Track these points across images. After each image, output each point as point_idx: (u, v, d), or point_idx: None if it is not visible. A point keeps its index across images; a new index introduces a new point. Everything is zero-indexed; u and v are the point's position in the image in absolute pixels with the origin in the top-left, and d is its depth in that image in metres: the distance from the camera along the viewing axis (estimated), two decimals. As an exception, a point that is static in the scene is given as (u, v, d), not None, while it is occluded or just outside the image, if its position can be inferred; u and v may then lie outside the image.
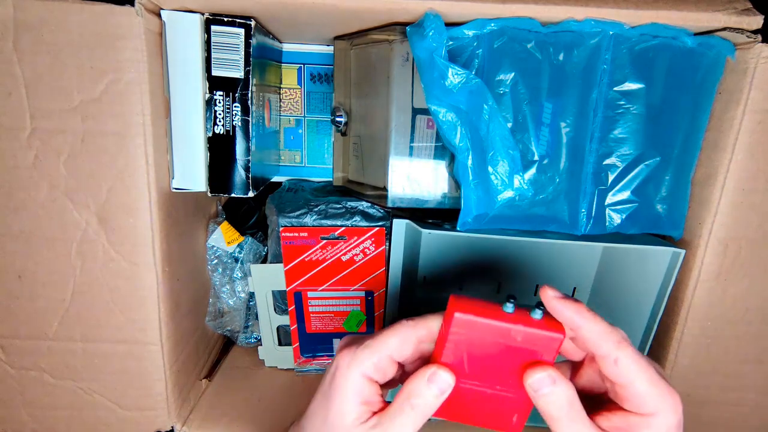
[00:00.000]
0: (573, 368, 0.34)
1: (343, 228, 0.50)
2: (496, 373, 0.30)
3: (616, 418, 0.29)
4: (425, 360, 0.32)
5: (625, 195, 0.42)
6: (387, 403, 0.31)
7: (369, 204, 0.50)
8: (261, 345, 0.57)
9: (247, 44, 0.41)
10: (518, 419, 0.32)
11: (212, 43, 0.41)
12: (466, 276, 0.53)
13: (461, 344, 0.30)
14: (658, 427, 0.28)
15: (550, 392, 0.28)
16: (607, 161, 0.42)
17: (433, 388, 0.29)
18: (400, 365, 0.33)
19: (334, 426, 0.30)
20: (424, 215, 0.47)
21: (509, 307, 0.29)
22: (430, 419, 0.50)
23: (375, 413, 0.30)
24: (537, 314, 0.29)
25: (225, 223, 0.55)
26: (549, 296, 0.29)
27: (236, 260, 0.55)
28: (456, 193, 0.44)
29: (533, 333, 0.29)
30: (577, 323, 0.28)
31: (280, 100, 0.56)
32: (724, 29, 0.38)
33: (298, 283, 0.52)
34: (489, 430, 0.32)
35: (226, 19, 0.40)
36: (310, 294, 0.52)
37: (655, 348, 0.47)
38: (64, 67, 0.38)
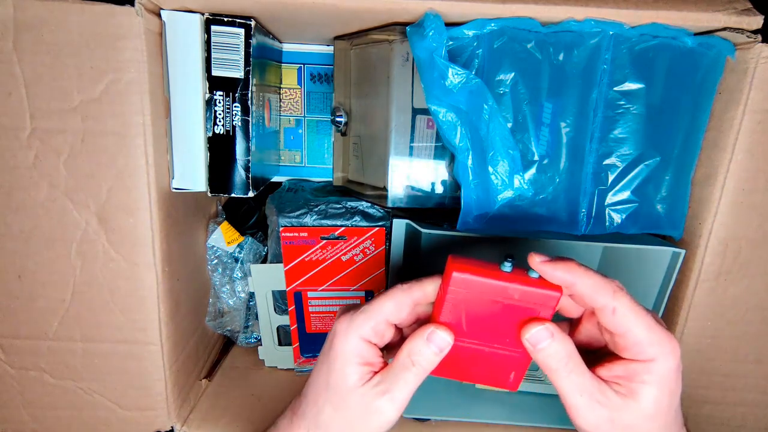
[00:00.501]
0: (572, 325, 0.34)
1: (343, 228, 0.50)
2: (494, 332, 0.31)
3: (616, 368, 0.29)
4: (423, 323, 0.33)
5: (625, 195, 0.42)
6: (387, 363, 0.32)
7: (369, 204, 0.50)
8: (261, 345, 0.57)
9: (247, 44, 0.41)
10: (515, 376, 0.32)
11: (212, 43, 0.41)
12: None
13: (459, 303, 0.30)
14: (658, 372, 0.28)
15: (548, 345, 0.29)
16: (607, 161, 0.42)
17: (432, 346, 0.30)
18: (399, 330, 0.34)
19: (337, 387, 0.31)
20: (424, 215, 0.47)
21: (507, 267, 0.30)
22: (430, 420, 0.50)
23: (376, 372, 0.31)
24: (534, 273, 0.29)
25: (225, 223, 0.55)
26: (536, 262, 0.29)
27: (236, 260, 0.55)
28: (456, 193, 0.44)
29: (531, 291, 0.29)
30: (569, 281, 0.29)
31: (280, 100, 0.56)
32: (724, 29, 0.38)
33: (298, 283, 0.52)
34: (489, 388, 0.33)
35: (226, 19, 0.40)
36: (310, 294, 0.52)
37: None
38: (64, 67, 0.38)
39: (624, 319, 0.28)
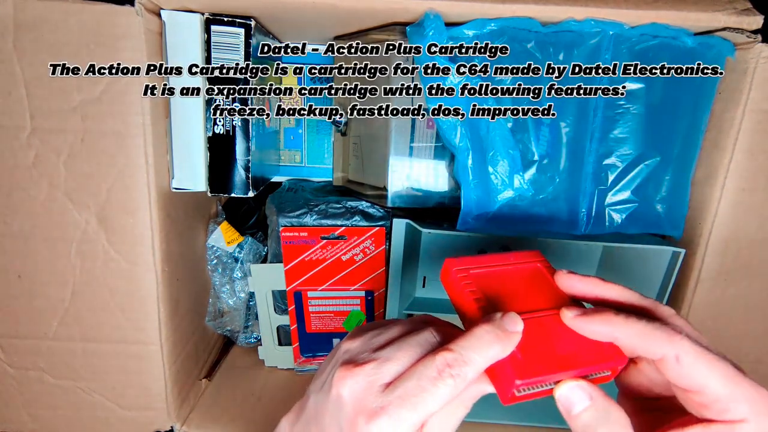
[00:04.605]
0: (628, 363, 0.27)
1: (343, 228, 0.50)
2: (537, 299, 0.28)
3: (694, 431, 0.23)
4: None
5: (625, 195, 0.42)
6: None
7: (369, 204, 0.50)
8: (261, 345, 0.57)
9: (247, 44, 0.41)
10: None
11: (212, 43, 0.41)
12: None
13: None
14: None
15: (586, 411, 0.23)
16: (607, 161, 0.42)
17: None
18: None
19: None
20: (424, 215, 0.47)
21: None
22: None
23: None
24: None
25: (225, 223, 0.55)
26: (568, 317, 0.25)
27: (236, 260, 0.55)
28: (456, 193, 0.44)
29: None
30: (611, 335, 0.24)
31: (280, 100, 0.56)
32: (724, 29, 0.38)
33: (298, 282, 0.52)
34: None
35: (226, 19, 0.40)
36: (310, 294, 0.52)
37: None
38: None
39: (693, 369, 0.22)
